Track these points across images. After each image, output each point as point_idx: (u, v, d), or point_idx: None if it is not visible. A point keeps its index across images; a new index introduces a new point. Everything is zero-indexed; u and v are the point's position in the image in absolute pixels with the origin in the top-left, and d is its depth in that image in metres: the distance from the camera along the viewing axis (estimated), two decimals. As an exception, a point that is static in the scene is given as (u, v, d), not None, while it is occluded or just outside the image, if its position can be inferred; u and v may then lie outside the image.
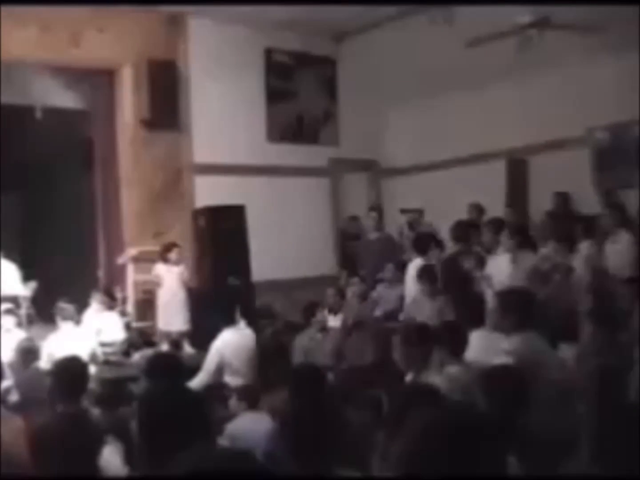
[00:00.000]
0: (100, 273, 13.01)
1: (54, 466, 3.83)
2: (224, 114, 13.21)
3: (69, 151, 13.57)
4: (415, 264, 10.10)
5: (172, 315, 11.38)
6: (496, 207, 11.84)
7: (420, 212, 12.92)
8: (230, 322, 9.15)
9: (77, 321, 10.40)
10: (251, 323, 9.84)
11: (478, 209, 11.90)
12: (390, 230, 13.17)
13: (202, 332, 10.26)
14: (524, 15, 10.21)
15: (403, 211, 13.08)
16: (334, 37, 14.67)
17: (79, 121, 13.35)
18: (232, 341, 8.98)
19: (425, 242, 10.44)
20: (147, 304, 12.00)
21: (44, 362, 8.96)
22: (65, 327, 9.90)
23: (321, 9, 12.59)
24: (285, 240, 13.46)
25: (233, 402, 6.69)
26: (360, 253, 12.96)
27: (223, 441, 5.79)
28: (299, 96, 14.51)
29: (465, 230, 10.40)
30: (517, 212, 11.69)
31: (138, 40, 12.59)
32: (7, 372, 7.75)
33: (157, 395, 3.45)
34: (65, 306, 10.32)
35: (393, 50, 13.67)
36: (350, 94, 14.84)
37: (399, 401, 4.12)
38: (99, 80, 12.94)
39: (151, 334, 11.78)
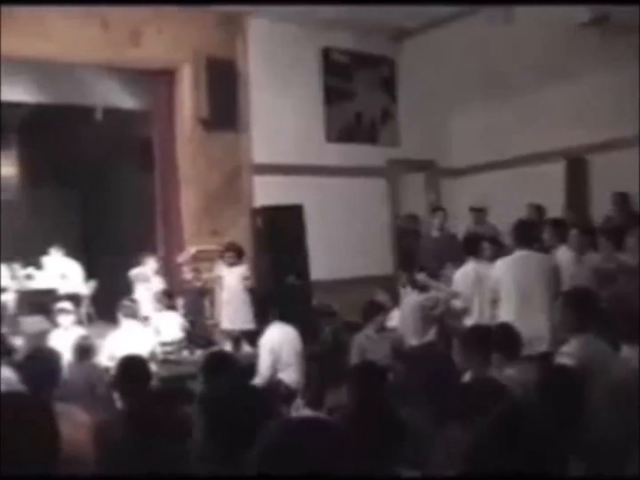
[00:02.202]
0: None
1: (115, 463, 3.83)
2: (282, 114, 13.21)
3: (128, 151, 13.70)
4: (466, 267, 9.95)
5: (234, 314, 11.43)
6: (555, 208, 11.71)
7: (483, 211, 12.78)
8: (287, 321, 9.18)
9: (139, 319, 10.48)
10: (310, 322, 9.84)
11: (538, 209, 11.77)
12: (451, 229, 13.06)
13: (260, 331, 10.27)
14: (583, 14, 10.09)
15: (472, 209, 12.94)
16: (393, 37, 14.61)
17: (139, 121, 13.46)
18: (280, 337, 9.04)
19: (475, 243, 10.30)
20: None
21: (105, 359, 9.05)
22: (126, 325, 9.98)
23: (379, 9, 12.54)
24: (343, 240, 13.43)
25: (298, 401, 6.70)
26: (421, 251, 12.87)
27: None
28: (357, 96, 14.47)
29: (527, 230, 10.25)
30: (577, 212, 11.55)
31: (197, 40, 12.65)
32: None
33: (220, 392, 3.44)
34: (128, 304, 10.42)
35: (452, 50, 13.57)
36: (410, 93, 14.77)
37: (468, 397, 4.07)
38: (158, 80, 13.02)
39: (211, 333, 11.83)
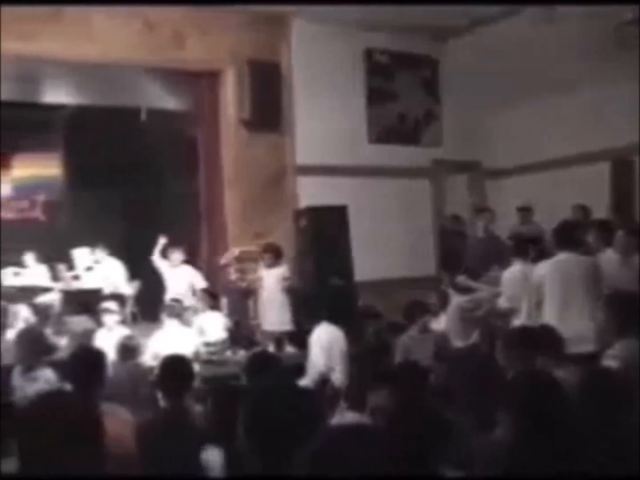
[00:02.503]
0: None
1: (157, 461, 3.87)
2: (325, 115, 13.21)
3: (172, 152, 13.77)
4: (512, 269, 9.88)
5: (272, 315, 11.46)
6: (600, 209, 11.61)
7: (530, 211, 12.66)
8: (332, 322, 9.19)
9: (184, 320, 10.54)
10: (354, 323, 9.83)
11: (583, 210, 11.66)
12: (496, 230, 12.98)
13: (304, 332, 10.30)
14: (626, 12, 9.99)
15: (519, 209, 12.83)
16: (435, 37, 14.56)
17: (183, 122, 13.52)
18: (328, 337, 9.05)
19: (522, 244, 10.21)
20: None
21: (149, 359, 9.11)
22: (170, 325, 10.04)
23: (421, 9, 12.51)
24: (386, 241, 13.41)
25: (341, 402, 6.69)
26: (468, 253, 12.81)
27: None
28: (400, 96, 14.44)
29: (569, 232, 10.15)
30: (623, 214, 11.42)
31: (240, 41, 12.69)
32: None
33: (262, 392, 3.45)
34: (172, 304, 10.48)
35: (495, 50, 13.49)
36: (453, 94, 14.71)
37: (515, 390, 4.04)
38: (202, 82, 13.09)
39: (255, 333, 11.86)
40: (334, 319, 9.45)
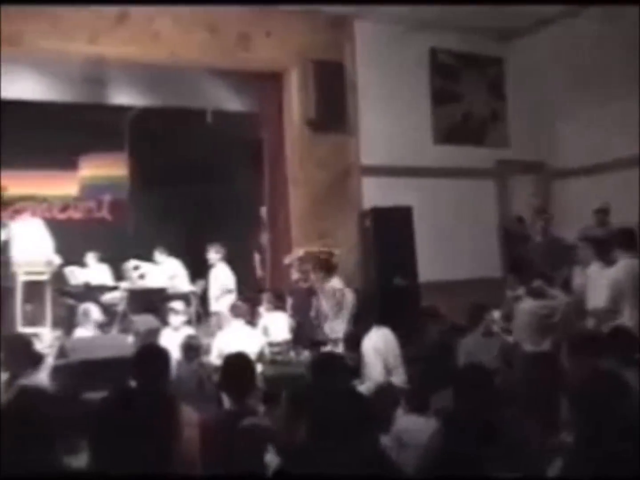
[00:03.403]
0: (265, 272, 13.27)
1: (222, 461, 3.88)
2: (390, 115, 13.19)
3: (237, 152, 13.84)
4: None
5: (326, 326, 11.41)
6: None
7: (607, 212, 12.43)
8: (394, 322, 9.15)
9: (249, 320, 10.58)
10: (417, 324, 9.78)
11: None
12: (561, 232, 12.80)
13: (357, 336, 10.26)
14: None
15: (596, 211, 12.60)
16: (500, 37, 14.44)
17: (248, 123, 13.56)
18: (383, 340, 9.02)
19: (603, 245, 10.04)
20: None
21: (214, 359, 9.16)
22: (235, 325, 10.08)
23: (485, 9, 12.43)
24: (450, 242, 13.33)
25: (403, 404, 6.67)
26: (528, 255, 12.66)
27: (388, 440, 5.77)
28: (464, 97, 14.35)
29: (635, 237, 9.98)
30: None
31: (304, 42, 12.71)
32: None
33: (325, 393, 3.44)
34: (237, 304, 10.53)
35: (561, 50, 13.38)
36: (518, 94, 14.59)
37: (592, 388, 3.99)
38: (266, 83, 13.12)
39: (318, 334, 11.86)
40: (396, 320, 9.38)
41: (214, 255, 12.43)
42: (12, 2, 10.68)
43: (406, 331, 9.71)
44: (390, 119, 13.18)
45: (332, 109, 12.81)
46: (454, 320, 11.47)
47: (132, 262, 12.99)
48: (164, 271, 13.14)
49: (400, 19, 12.96)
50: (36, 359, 7.49)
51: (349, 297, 10.99)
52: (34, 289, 10.86)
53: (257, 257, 13.55)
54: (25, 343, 7.81)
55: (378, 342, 9.06)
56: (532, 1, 12.28)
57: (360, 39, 13.22)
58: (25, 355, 7.38)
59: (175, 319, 10.34)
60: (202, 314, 12.65)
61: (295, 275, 12.16)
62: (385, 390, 8.06)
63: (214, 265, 12.46)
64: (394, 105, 13.29)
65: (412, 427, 6.11)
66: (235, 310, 10.26)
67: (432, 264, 12.60)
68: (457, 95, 14.32)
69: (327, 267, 11.52)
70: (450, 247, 13.29)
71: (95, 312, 10.71)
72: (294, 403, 4.43)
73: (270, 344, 10.54)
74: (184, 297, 12.13)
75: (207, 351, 9.66)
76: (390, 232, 12.39)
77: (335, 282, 11.47)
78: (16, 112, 12.81)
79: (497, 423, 3.95)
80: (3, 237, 9.77)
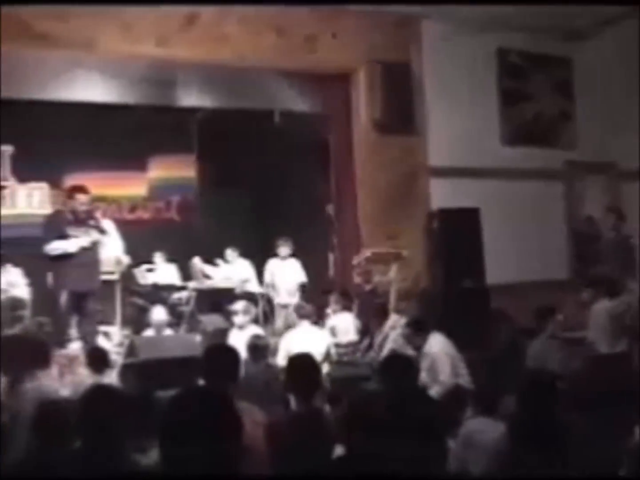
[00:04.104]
0: (332, 273, 13.28)
1: (289, 461, 3.89)
2: (458, 116, 13.13)
3: (305, 153, 13.87)
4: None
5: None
6: None
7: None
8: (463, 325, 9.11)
9: (315, 320, 10.60)
10: (485, 326, 9.72)
11: None
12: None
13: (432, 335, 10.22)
14: None
15: None
16: (568, 36, 14.28)
17: (315, 124, 13.60)
18: (446, 343, 8.97)
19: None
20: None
21: (281, 359, 9.19)
22: (302, 326, 10.11)
23: (552, 9, 12.31)
24: (518, 244, 13.22)
25: (471, 406, 6.63)
26: (598, 256, 12.52)
27: (455, 443, 5.74)
28: (533, 97, 14.25)
29: None
30: None
31: (371, 43, 12.71)
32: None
33: (393, 395, 3.44)
34: (303, 304, 10.56)
35: (629, 49, 13.19)
36: (587, 94, 14.42)
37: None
38: (334, 84, 13.14)
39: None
40: (464, 322, 9.33)
41: (284, 250, 12.52)
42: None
43: (474, 333, 9.66)
44: (458, 120, 13.11)
45: (399, 110, 12.78)
46: (522, 322, 11.40)
47: (196, 260, 13.08)
48: (236, 271, 13.21)
49: (468, 19, 12.89)
50: (41, 361, 7.49)
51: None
52: (104, 288, 11.00)
53: (330, 257, 13.58)
54: (29, 344, 7.91)
55: (447, 344, 9.02)
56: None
57: (427, 39, 13.18)
58: (29, 356, 7.44)
59: (241, 319, 10.41)
60: (268, 313, 12.69)
61: (357, 278, 12.18)
62: (454, 393, 8.02)
63: (284, 260, 12.56)
64: (461, 106, 13.22)
65: (480, 429, 6.07)
66: (300, 311, 10.30)
67: (499, 265, 12.51)
68: (526, 95, 14.21)
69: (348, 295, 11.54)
70: (518, 249, 13.18)
71: (161, 315, 10.82)
72: (359, 404, 4.43)
73: (337, 345, 10.55)
74: (251, 297, 12.18)
75: (274, 351, 9.70)
76: (457, 233, 12.34)
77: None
78: (87, 115, 13.02)
79: (564, 426, 3.92)
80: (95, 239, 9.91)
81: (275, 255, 12.75)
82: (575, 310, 10.59)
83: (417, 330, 9.07)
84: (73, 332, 9.88)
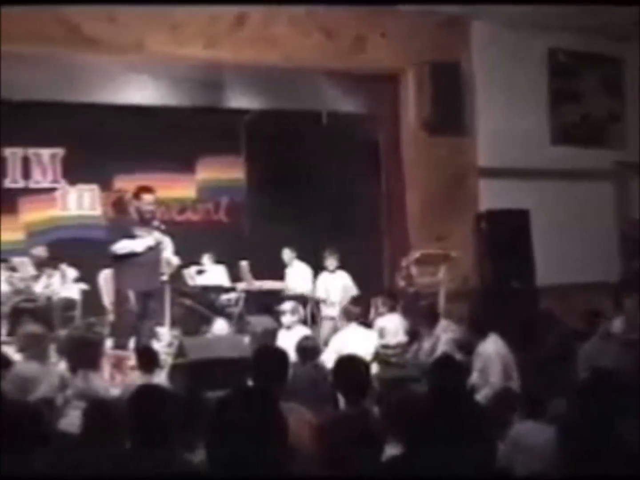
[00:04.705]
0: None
1: (337, 462, 3.87)
2: (507, 116, 13.05)
3: (353, 154, 13.84)
4: None
5: None
6: None
7: None
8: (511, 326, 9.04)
9: (363, 322, 10.59)
10: (534, 328, 9.64)
11: None
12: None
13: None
14: None
15: None
16: (618, 37, 14.12)
17: (363, 125, 13.58)
18: (501, 345, 8.90)
19: None
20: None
21: (329, 360, 9.17)
22: (350, 327, 10.10)
23: (603, 9, 12.18)
24: (567, 245, 13.11)
25: (520, 409, 6.59)
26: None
27: (504, 446, 5.70)
28: (583, 97, 14.15)
29: None
30: None
31: (420, 43, 12.67)
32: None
33: (441, 397, 3.41)
34: (349, 307, 10.56)
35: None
36: (637, 94, 14.24)
37: None
38: (382, 84, 13.12)
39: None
40: (513, 324, 9.26)
41: (332, 262, 12.52)
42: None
43: (523, 335, 9.57)
44: (507, 120, 13.03)
45: (448, 111, 12.74)
46: (572, 324, 11.30)
47: (244, 263, 13.11)
48: (297, 273, 13.21)
49: (518, 19, 12.80)
50: (93, 361, 7.61)
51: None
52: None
53: (381, 258, 13.57)
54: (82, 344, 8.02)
55: (502, 346, 8.95)
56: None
57: (476, 39, 13.12)
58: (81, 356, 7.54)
59: (286, 319, 10.44)
60: (317, 315, 12.70)
61: (401, 281, 12.15)
62: (503, 395, 7.97)
63: (332, 272, 12.57)
64: (511, 106, 13.15)
65: (528, 432, 6.03)
66: (347, 314, 10.29)
67: (548, 267, 12.44)
68: (576, 95, 14.10)
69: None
70: (566, 250, 13.06)
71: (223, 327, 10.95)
72: (408, 405, 4.41)
73: (386, 346, 10.53)
74: (300, 299, 12.19)
75: (322, 352, 9.69)
76: (506, 234, 12.28)
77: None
78: (136, 118, 13.11)
79: (617, 429, 3.86)
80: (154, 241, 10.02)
81: (323, 267, 12.76)
82: (632, 312, 10.46)
83: (475, 331, 9.04)
84: (134, 332, 9.97)
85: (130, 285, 9.92)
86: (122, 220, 10.23)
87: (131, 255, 9.73)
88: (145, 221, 9.94)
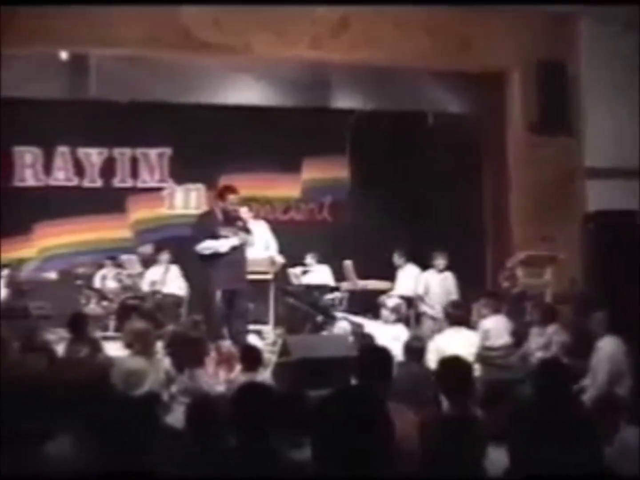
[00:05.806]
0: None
1: (439, 463, 3.87)
2: (615, 116, 12.82)
3: (458, 154, 13.79)
4: None
5: None
6: None
7: None
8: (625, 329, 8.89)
9: (467, 323, 10.53)
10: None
11: None
12: None
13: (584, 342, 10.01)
14: None
15: None
16: None
17: (469, 125, 13.53)
18: (611, 350, 8.74)
19: None
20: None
21: (431, 361, 9.15)
22: (454, 328, 10.05)
23: None
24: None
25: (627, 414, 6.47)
26: None
27: (611, 450, 5.61)
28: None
29: None
30: None
31: (526, 42, 12.56)
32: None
33: (548, 399, 3.39)
34: (452, 310, 10.51)
35: None
36: None
37: None
38: (487, 84, 13.04)
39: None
40: (626, 326, 9.10)
41: (441, 262, 12.49)
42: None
43: (632, 339, 9.39)
44: (615, 120, 12.82)
45: (555, 111, 12.59)
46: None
47: (348, 262, 13.13)
48: (408, 276, 13.20)
49: (626, 18, 12.56)
50: (199, 359, 7.75)
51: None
52: (258, 288, 11.19)
53: (484, 259, 13.49)
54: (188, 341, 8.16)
55: (617, 350, 8.80)
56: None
57: (584, 37, 12.92)
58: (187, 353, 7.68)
59: (385, 314, 10.47)
60: (421, 315, 12.68)
61: (504, 282, 12.03)
62: (607, 398, 7.84)
63: (441, 273, 12.54)
64: (619, 106, 12.91)
65: (635, 438, 5.92)
66: (450, 315, 10.24)
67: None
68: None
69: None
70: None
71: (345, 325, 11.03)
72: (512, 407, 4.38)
73: (490, 348, 10.44)
74: (406, 299, 12.17)
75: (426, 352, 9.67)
76: (615, 236, 12.07)
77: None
78: (242, 118, 13.28)
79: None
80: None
81: (430, 266, 12.72)
82: None
83: (585, 335, 8.93)
84: (225, 330, 10.07)
85: (215, 284, 10.02)
86: (206, 221, 10.30)
87: (216, 256, 9.84)
88: (230, 221, 10.04)
